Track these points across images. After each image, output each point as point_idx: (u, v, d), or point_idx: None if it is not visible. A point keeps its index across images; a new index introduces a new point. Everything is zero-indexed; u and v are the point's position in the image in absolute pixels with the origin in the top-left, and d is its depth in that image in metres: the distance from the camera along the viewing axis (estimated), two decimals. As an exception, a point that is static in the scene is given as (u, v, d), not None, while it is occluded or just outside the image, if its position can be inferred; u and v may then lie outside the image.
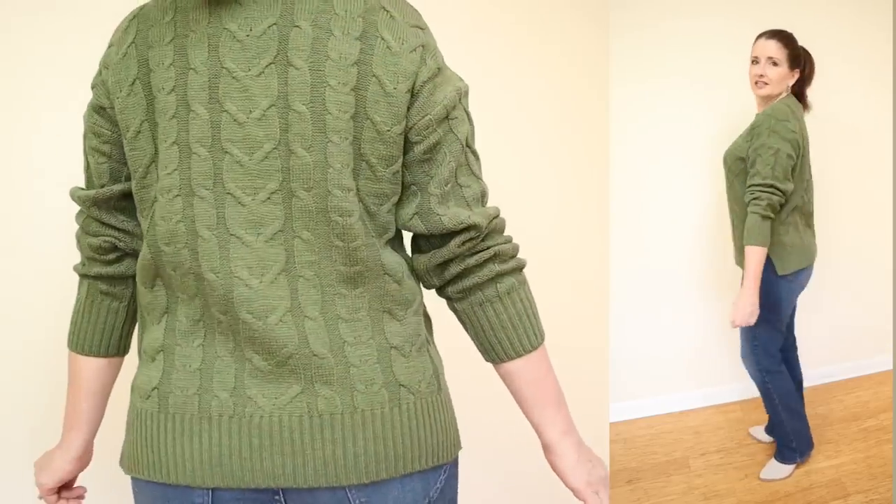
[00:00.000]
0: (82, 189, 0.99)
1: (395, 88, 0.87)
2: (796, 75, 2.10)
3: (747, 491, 2.22)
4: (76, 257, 1.68)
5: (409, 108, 0.89)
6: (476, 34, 2.29)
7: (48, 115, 1.63)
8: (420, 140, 0.90)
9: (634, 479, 2.35)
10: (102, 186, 0.96)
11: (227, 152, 0.87)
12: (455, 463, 1.00)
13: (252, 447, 0.88)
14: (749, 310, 1.95)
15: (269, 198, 0.87)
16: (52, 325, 1.65)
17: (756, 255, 1.95)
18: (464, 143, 0.93)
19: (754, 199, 1.96)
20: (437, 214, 0.92)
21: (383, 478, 0.89)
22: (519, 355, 0.97)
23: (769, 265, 2.03)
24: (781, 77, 2.06)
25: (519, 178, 2.37)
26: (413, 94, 0.89)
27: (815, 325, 2.57)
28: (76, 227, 1.03)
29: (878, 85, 2.60)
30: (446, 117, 0.91)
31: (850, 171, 2.64)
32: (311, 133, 0.86)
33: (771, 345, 2.13)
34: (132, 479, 0.97)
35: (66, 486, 1.09)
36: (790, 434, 2.23)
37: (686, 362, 2.71)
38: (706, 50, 2.51)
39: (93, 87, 0.95)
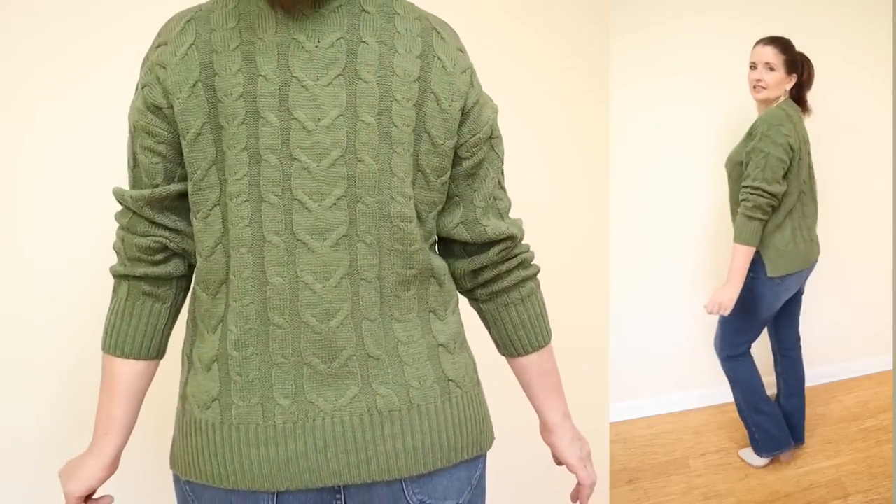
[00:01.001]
0: (132, 189, 0.97)
1: (450, 106, 0.94)
2: (793, 80, 2.13)
3: (747, 491, 2.22)
4: (78, 256, 1.68)
5: (460, 126, 0.97)
6: (476, 34, 2.29)
7: (47, 116, 1.63)
8: (469, 156, 0.99)
9: (634, 479, 2.35)
10: (156, 186, 0.95)
11: (295, 159, 0.90)
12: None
13: (317, 449, 0.91)
14: (724, 303, 2.07)
15: (335, 203, 0.90)
16: (42, 325, 1.64)
17: (740, 253, 2.06)
18: (501, 168, 1.04)
19: (743, 200, 2.06)
20: (482, 225, 1.01)
21: (438, 468, 0.95)
22: (534, 350, 1.09)
23: (760, 265, 2.10)
24: (778, 82, 2.11)
25: (519, 179, 2.36)
26: (464, 112, 0.97)
27: (815, 325, 2.57)
28: (107, 226, 1.02)
29: (878, 85, 2.60)
30: (490, 136, 1.00)
31: (850, 171, 2.64)
32: (378, 143, 0.91)
33: (738, 336, 2.21)
34: (185, 481, 0.97)
35: (90, 495, 1.04)
36: (752, 426, 2.29)
37: (686, 362, 2.71)
38: (707, 50, 2.51)
39: (144, 86, 0.93)
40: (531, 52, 2.39)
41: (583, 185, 2.52)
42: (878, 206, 2.68)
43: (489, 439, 1.04)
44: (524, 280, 1.07)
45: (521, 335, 1.08)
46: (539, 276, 1.11)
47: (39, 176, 1.63)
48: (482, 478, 1.03)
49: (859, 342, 2.80)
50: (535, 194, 2.42)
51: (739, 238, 2.06)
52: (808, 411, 2.49)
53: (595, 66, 2.54)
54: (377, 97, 0.90)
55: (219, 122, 0.90)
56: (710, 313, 2.09)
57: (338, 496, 0.94)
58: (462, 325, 1.05)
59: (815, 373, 2.69)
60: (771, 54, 2.11)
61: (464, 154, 0.99)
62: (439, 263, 1.01)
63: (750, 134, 2.09)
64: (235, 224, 0.91)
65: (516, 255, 1.06)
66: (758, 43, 2.15)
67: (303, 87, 0.89)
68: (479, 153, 1.00)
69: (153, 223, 0.97)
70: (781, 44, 2.13)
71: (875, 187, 2.67)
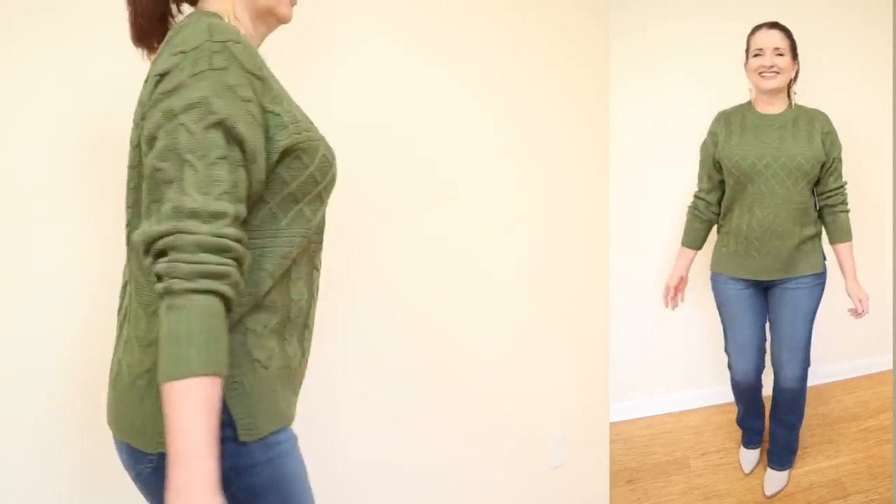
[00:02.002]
0: None
1: (138, 119, 1.02)
2: (797, 67, 2.07)
3: (747, 491, 2.22)
4: (78, 256, 1.66)
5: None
6: (477, 35, 2.29)
7: (47, 116, 1.63)
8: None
9: (634, 479, 2.35)
10: None
11: (131, 179, 1.10)
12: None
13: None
14: (867, 298, 2.11)
15: (129, 209, 1.10)
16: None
17: (851, 250, 2.12)
18: (155, 165, 0.94)
19: (844, 200, 2.09)
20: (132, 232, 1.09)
21: (115, 436, 1.07)
22: (160, 382, 0.89)
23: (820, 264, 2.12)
24: (790, 67, 2.03)
25: (519, 179, 2.37)
26: (143, 120, 1.00)
27: (815, 325, 2.57)
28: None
29: (878, 86, 2.60)
30: (150, 138, 0.96)
31: (849, 172, 2.64)
32: (130, 165, 1.07)
33: (810, 339, 2.18)
34: None
35: None
36: (798, 436, 2.21)
37: (686, 362, 2.71)
38: (707, 50, 2.51)
39: None
40: (531, 52, 2.39)
41: (583, 185, 2.53)
42: (877, 206, 2.68)
43: (149, 442, 0.99)
44: (161, 294, 0.91)
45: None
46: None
47: (39, 176, 1.63)
48: (154, 479, 0.98)
49: (859, 342, 2.80)
50: (535, 194, 2.42)
51: (850, 235, 2.09)
52: (808, 411, 2.49)
53: (595, 66, 2.54)
54: (133, 128, 1.05)
55: None
56: (866, 311, 2.11)
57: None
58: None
59: (816, 373, 2.69)
60: (779, 38, 2.02)
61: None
62: (143, 266, 1.03)
63: (827, 134, 2.05)
64: None
65: (155, 266, 0.92)
66: (760, 27, 2.07)
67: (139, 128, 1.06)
68: (143, 160, 1.00)
69: None
70: (784, 28, 2.05)
71: (875, 188, 2.67)
